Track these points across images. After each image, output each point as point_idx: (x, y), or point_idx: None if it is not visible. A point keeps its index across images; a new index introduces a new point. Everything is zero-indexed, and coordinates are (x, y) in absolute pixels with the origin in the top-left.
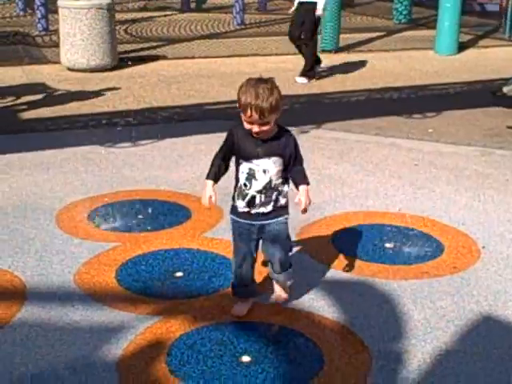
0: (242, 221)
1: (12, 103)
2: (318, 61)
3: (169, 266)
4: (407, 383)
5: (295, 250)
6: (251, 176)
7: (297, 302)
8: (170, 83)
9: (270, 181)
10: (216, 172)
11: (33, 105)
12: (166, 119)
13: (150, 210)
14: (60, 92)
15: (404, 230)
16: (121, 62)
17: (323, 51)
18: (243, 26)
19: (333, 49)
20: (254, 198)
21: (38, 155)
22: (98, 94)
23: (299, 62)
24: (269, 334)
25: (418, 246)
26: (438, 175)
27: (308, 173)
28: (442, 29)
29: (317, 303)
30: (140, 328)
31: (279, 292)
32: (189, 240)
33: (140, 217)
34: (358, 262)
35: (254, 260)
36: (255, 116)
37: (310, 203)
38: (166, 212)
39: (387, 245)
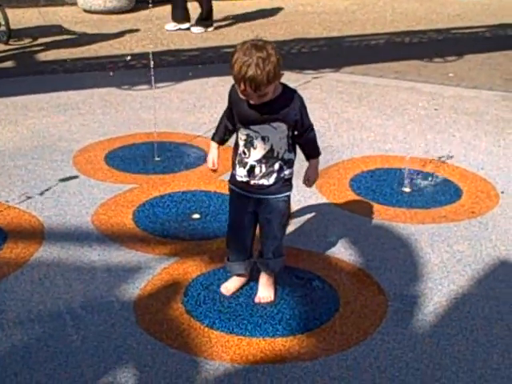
0: (239, 191)
1: (29, 45)
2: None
3: (186, 208)
4: (423, 326)
5: (312, 194)
6: (249, 144)
7: (313, 244)
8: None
9: (272, 149)
10: (221, 134)
11: (49, 47)
12: (183, 62)
13: (167, 153)
14: (77, 34)
15: (422, 174)
16: (138, 4)
17: None
18: None
19: None
20: (253, 167)
21: (56, 97)
22: (115, 36)
23: (319, 4)
24: (285, 276)
25: (436, 190)
26: (457, 120)
27: (326, 116)
28: None
29: (333, 246)
30: (157, 268)
31: (263, 292)
32: (206, 182)
33: (157, 159)
34: (375, 206)
35: (251, 235)
36: (249, 90)
37: (317, 178)
38: (183, 154)
39: (405, 189)
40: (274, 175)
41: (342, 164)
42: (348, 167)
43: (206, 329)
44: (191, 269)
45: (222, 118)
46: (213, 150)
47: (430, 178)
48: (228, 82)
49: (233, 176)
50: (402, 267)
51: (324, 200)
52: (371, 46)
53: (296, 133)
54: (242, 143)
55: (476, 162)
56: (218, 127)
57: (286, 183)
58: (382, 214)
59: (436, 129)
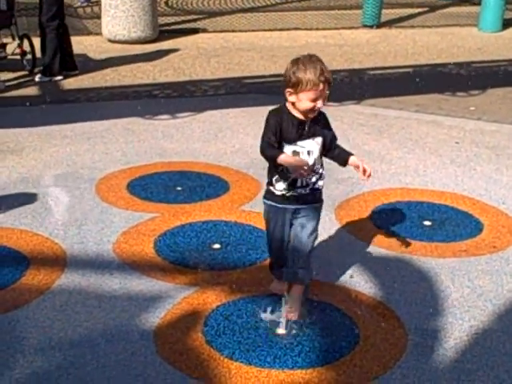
0: (278, 205)
1: None
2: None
3: (207, 238)
4: (443, 361)
5: (333, 226)
6: None
7: (334, 276)
8: (210, 56)
9: (314, 163)
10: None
11: (74, 75)
12: (205, 92)
13: (188, 182)
14: (101, 63)
15: (443, 207)
16: (161, 34)
17: (365, 26)
18: (284, 0)
19: (374, 24)
20: (295, 180)
21: (79, 125)
22: (138, 65)
23: (341, 36)
24: (305, 308)
25: (457, 224)
26: (479, 153)
27: (347, 148)
28: (487, 5)
29: (354, 279)
30: (177, 298)
31: (292, 304)
32: (227, 212)
33: (178, 188)
34: (395, 239)
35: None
36: (325, 91)
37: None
38: (204, 184)
39: (426, 222)
40: (310, 186)
41: (362, 196)
42: (369, 199)
43: (226, 359)
44: (211, 299)
45: (268, 144)
46: (287, 156)
47: (450, 212)
48: (249, 112)
49: (269, 192)
50: (423, 301)
51: (344, 232)
52: (392, 78)
53: (328, 142)
54: None
55: (497, 197)
56: (271, 149)
57: (319, 194)
58: (403, 247)
59: (457, 162)
